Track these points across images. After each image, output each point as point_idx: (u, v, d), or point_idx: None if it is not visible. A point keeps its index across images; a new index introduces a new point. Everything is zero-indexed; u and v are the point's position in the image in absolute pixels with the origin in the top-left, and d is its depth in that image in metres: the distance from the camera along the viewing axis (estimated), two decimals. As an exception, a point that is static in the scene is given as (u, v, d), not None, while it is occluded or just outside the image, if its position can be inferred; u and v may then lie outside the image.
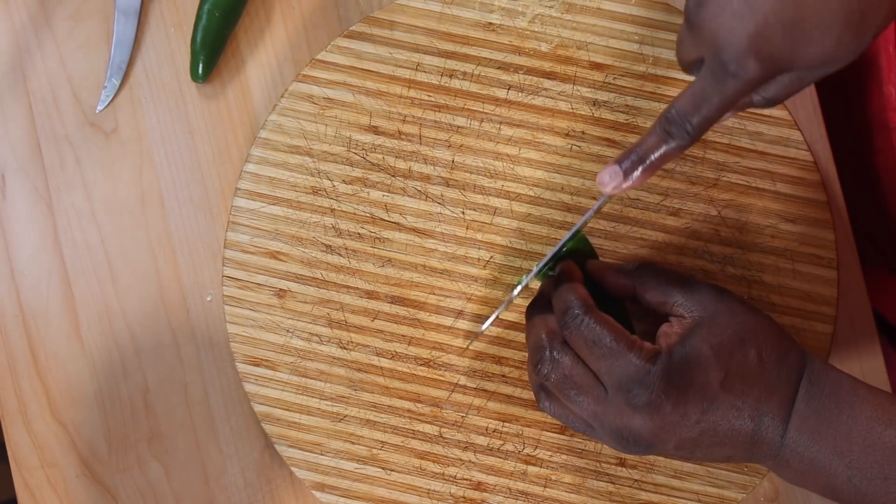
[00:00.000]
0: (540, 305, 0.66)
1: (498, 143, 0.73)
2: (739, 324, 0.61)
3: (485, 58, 0.73)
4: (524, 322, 0.70)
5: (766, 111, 0.72)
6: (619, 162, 0.61)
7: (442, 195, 0.72)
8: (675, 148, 0.59)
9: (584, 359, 0.61)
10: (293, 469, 0.72)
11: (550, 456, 0.71)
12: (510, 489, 0.71)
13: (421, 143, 0.73)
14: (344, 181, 0.73)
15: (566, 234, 0.68)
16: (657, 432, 0.59)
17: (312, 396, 0.72)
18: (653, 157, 0.60)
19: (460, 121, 0.73)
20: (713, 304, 0.62)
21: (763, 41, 0.54)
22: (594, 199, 0.72)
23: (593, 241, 0.72)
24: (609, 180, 0.62)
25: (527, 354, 0.71)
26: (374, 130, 0.73)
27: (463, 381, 0.71)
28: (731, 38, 0.54)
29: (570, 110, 0.73)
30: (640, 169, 0.61)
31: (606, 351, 0.60)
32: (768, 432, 0.59)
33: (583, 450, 0.71)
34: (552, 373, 0.62)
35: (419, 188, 0.73)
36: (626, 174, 0.61)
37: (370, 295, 0.72)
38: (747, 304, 0.63)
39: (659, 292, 0.64)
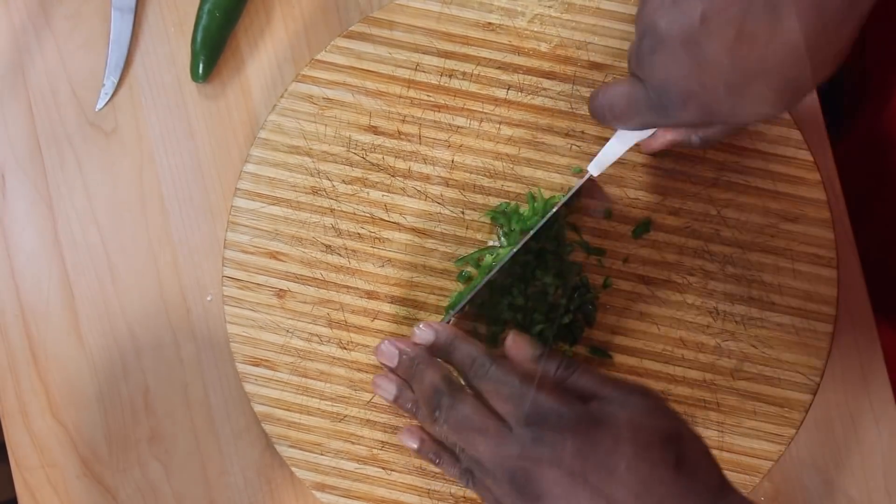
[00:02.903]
0: (426, 356, 0.64)
1: (497, 142, 0.73)
2: (666, 424, 0.58)
3: (484, 58, 0.73)
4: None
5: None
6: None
7: (442, 195, 0.72)
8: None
9: (491, 402, 0.59)
10: (293, 469, 0.72)
11: (550, 456, 0.71)
12: (510, 489, 0.71)
13: (420, 143, 0.73)
14: (344, 181, 0.73)
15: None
16: (553, 480, 0.55)
17: (312, 396, 0.72)
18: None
19: (460, 121, 0.73)
20: (641, 395, 0.59)
21: (705, 97, 0.56)
22: (593, 198, 0.72)
23: (593, 241, 0.72)
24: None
25: None
26: (374, 130, 0.73)
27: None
28: (677, 88, 0.56)
29: (570, 110, 0.73)
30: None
31: (516, 391, 0.58)
32: None
33: (583, 449, 0.71)
34: (450, 415, 0.59)
35: (419, 188, 0.73)
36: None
37: (370, 295, 0.72)
38: (678, 414, 0.60)
39: (591, 381, 0.60)
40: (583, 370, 0.60)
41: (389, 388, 0.64)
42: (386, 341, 0.64)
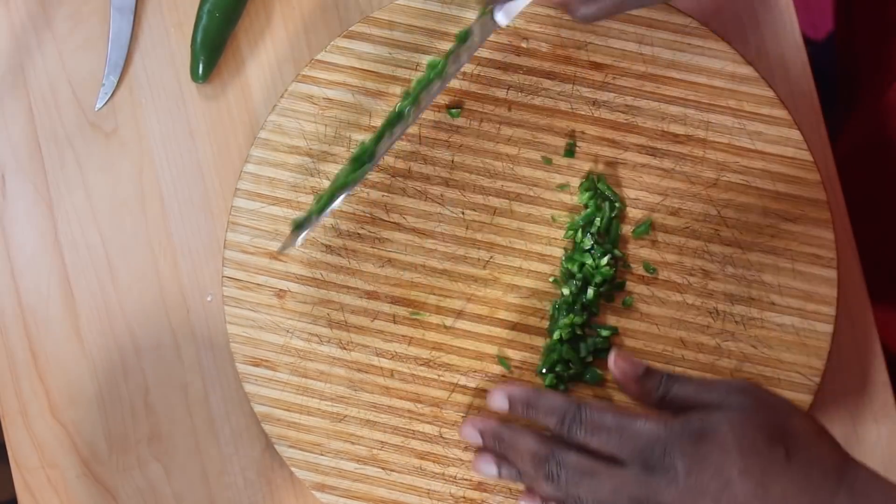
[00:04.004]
0: (507, 428, 0.63)
1: (497, 142, 0.73)
2: (770, 419, 0.58)
3: (484, 58, 0.73)
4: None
5: (766, 111, 0.72)
6: None
7: (442, 195, 0.72)
8: None
9: (592, 445, 0.59)
10: (293, 469, 0.72)
11: (550, 456, 0.71)
12: (510, 489, 0.71)
13: (420, 143, 0.73)
14: (344, 181, 0.73)
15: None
16: (675, 499, 0.56)
17: (312, 397, 0.72)
18: None
19: (460, 121, 0.73)
20: (740, 394, 0.59)
21: None
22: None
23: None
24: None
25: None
26: (374, 131, 0.73)
27: (463, 381, 0.71)
28: None
29: (570, 110, 0.73)
30: None
31: (615, 428, 0.58)
32: None
33: (583, 450, 0.71)
34: (559, 474, 0.59)
35: (419, 188, 0.73)
36: None
37: (370, 295, 0.72)
38: (785, 401, 0.60)
39: (691, 390, 0.61)
40: (683, 380, 0.61)
41: (488, 467, 0.64)
42: (466, 425, 0.64)
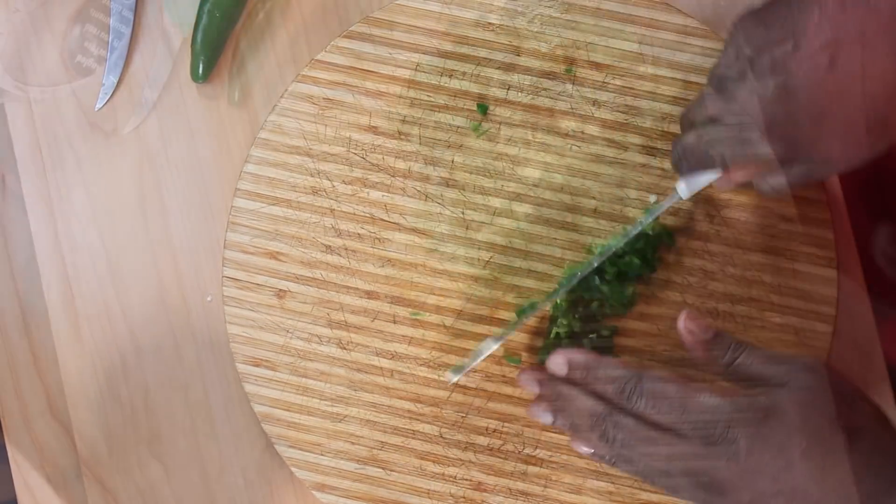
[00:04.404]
0: (567, 385, 0.63)
1: (497, 143, 0.73)
2: (835, 402, 0.57)
3: (484, 58, 0.73)
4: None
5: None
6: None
7: (442, 195, 0.72)
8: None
9: (655, 418, 0.58)
10: (293, 469, 0.72)
11: (550, 456, 0.71)
12: (510, 489, 0.71)
13: (420, 144, 0.73)
14: (344, 181, 0.73)
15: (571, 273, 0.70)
16: (733, 476, 0.56)
17: (312, 397, 0.72)
18: None
19: (460, 121, 0.73)
20: (807, 373, 0.58)
21: (788, 127, 0.55)
22: (593, 198, 0.72)
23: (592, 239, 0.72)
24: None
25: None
26: (374, 131, 0.73)
27: (463, 380, 0.71)
28: (760, 114, 0.55)
29: (570, 110, 0.73)
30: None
31: (677, 400, 0.58)
32: None
33: (583, 450, 0.71)
34: (618, 434, 0.59)
35: (419, 188, 0.73)
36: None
37: (370, 295, 0.72)
38: (851, 384, 0.59)
39: (757, 363, 0.60)
40: (751, 350, 0.60)
41: (544, 416, 0.64)
42: (523, 374, 0.64)
